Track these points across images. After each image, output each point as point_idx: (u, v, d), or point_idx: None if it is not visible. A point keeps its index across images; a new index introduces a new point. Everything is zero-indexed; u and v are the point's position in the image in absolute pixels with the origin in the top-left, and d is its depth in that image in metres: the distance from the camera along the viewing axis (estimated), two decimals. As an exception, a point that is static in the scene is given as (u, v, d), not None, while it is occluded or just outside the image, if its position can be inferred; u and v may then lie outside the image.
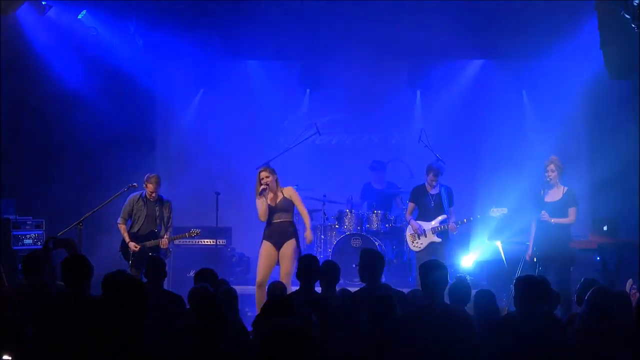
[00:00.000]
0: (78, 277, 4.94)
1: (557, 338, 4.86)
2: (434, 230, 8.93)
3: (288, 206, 8.32)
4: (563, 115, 10.71)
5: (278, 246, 8.20)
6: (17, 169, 9.53)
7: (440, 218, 8.95)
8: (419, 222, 9.02)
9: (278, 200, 8.29)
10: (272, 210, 8.25)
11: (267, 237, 8.29)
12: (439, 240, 8.93)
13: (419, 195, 9.08)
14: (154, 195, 8.51)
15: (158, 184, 8.51)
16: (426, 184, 9.05)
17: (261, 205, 8.22)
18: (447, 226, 8.85)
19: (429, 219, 8.99)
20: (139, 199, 8.55)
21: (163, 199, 8.63)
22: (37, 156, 9.90)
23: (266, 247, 8.24)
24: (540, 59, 10.87)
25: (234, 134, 11.83)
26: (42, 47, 9.87)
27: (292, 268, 7.86)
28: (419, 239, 9.01)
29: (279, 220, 8.25)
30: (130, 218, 8.55)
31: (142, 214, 8.50)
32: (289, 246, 8.17)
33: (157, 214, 8.50)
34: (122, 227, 8.55)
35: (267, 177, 8.18)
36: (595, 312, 4.75)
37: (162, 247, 8.43)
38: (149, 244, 8.40)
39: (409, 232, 9.12)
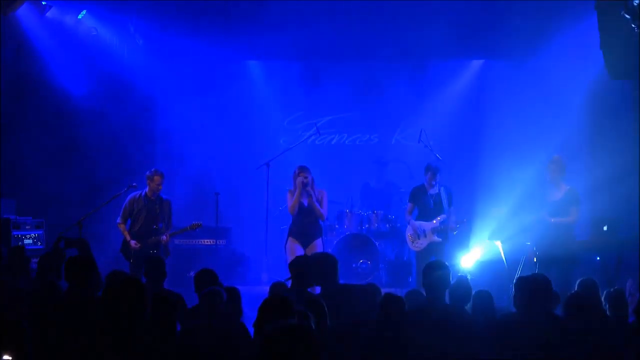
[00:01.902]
0: (81, 277, 4.95)
1: (557, 338, 4.85)
2: (434, 230, 8.92)
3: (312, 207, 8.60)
4: (563, 115, 10.70)
5: (304, 245, 8.54)
6: (17, 169, 9.51)
7: (440, 218, 8.94)
8: (419, 222, 9.02)
9: (310, 200, 8.57)
10: (303, 210, 8.58)
11: (294, 234, 8.65)
12: (439, 240, 8.93)
13: (418, 195, 9.08)
14: (160, 188, 8.52)
15: (163, 177, 8.54)
16: (425, 183, 9.06)
17: (293, 199, 8.55)
18: (447, 226, 8.84)
19: (429, 219, 8.99)
20: (138, 198, 8.56)
21: (163, 198, 8.64)
22: (38, 156, 9.87)
23: (293, 244, 8.57)
24: (540, 59, 10.88)
25: (234, 134, 11.84)
26: (43, 47, 9.88)
27: None
28: (419, 239, 9.00)
29: (308, 220, 8.59)
30: (130, 218, 8.55)
31: (143, 213, 8.52)
32: (314, 247, 8.49)
33: (158, 212, 8.50)
34: (122, 227, 8.57)
35: (305, 177, 8.51)
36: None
37: (163, 243, 8.45)
38: (150, 241, 8.41)
39: (409, 232, 9.11)
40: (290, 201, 8.61)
